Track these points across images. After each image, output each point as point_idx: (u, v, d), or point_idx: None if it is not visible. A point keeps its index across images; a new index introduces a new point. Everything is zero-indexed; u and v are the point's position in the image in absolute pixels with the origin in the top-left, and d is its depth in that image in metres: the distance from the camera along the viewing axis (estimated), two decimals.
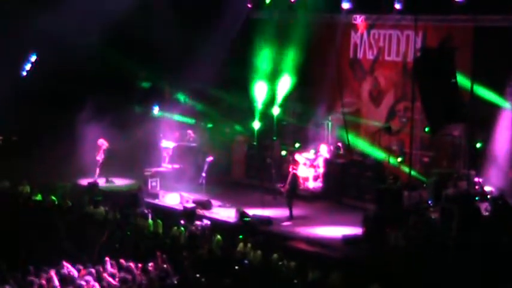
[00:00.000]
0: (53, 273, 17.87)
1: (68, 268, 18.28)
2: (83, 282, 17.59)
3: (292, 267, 20.19)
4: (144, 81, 32.60)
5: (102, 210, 24.79)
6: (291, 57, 29.14)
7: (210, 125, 31.28)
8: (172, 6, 30.42)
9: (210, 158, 28.21)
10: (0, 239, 21.52)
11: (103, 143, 28.99)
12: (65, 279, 17.84)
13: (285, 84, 29.37)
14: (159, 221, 23.87)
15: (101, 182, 28.89)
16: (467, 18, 25.38)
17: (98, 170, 29.09)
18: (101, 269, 18.39)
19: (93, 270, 18.19)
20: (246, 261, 20.67)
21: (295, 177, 25.60)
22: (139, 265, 18.90)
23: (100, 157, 28.99)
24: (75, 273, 18.09)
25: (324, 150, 28.10)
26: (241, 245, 21.81)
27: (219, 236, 22.59)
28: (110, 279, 17.96)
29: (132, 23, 29.72)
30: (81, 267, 18.51)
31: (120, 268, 18.67)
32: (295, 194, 25.60)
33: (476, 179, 23.62)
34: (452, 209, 21.51)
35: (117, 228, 23.29)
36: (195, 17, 30.32)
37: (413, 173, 24.81)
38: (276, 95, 29.62)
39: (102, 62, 30.43)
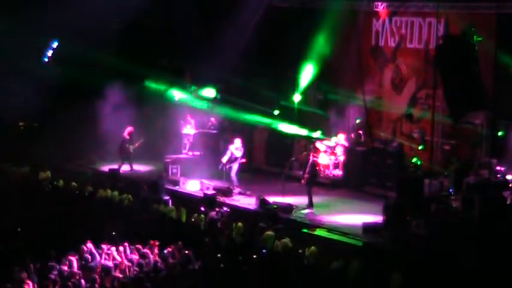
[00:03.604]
0: (73, 258, 18.02)
1: (87, 253, 18.44)
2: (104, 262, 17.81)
3: (312, 255, 20.18)
4: (165, 69, 32.53)
5: (122, 196, 24.92)
6: (313, 45, 29.08)
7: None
8: None
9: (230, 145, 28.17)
10: (21, 224, 21.68)
11: (130, 130, 29.02)
12: (84, 264, 18.02)
13: (309, 72, 29.30)
14: (182, 209, 23.91)
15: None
16: (491, 5, 25.18)
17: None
18: (120, 254, 18.52)
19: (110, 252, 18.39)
20: (264, 251, 20.60)
21: (315, 164, 25.53)
22: (156, 251, 19.00)
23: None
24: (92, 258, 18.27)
25: (342, 139, 28.01)
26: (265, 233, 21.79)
27: (239, 223, 22.60)
28: (128, 263, 18.09)
29: (153, 10, 29.68)
30: (99, 251, 18.66)
31: (138, 254, 18.81)
32: (315, 181, 25.54)
33: (498, 168, 23.47)
34: (474, 198, 21.44)
35: (137, 214, 23.39)
36: (216, 4, 30.27)
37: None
38: (299, 83, 29.58)
39: (122, 50, 30.43)
